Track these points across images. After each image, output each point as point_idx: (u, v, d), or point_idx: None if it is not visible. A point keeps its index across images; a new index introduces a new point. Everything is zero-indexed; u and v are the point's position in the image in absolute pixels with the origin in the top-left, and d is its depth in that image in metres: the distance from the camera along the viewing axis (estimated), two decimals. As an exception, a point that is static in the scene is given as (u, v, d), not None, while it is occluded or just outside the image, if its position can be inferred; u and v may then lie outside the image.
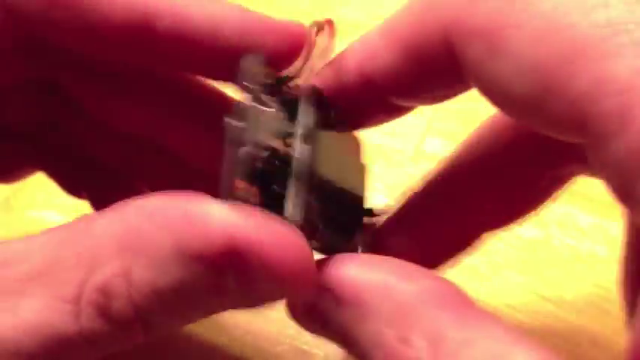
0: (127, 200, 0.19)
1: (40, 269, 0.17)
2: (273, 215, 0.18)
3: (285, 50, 0.22)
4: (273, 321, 0.31)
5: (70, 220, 0.19)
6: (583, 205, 0.35)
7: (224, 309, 0.20)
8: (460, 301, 0.17)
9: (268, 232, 0.18)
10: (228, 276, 0.18)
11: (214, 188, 0.19)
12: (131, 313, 0.18)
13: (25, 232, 0.18)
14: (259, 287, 0.19)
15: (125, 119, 0.26)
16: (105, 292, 0.17)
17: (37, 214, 0.32)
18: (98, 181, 0.29)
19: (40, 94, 0.26)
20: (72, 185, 0.30)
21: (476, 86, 0.19)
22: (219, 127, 0.19)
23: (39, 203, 0.29)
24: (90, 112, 0.26)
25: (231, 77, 0.21)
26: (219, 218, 0.18)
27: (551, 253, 0.33)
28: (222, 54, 0.22)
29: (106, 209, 0.19)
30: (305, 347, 0.30)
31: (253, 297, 0.19)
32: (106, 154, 0.28)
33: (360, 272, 0.18)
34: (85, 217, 0.19)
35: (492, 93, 0.19)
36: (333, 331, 0.19)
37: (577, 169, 0.23)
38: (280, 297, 0.20)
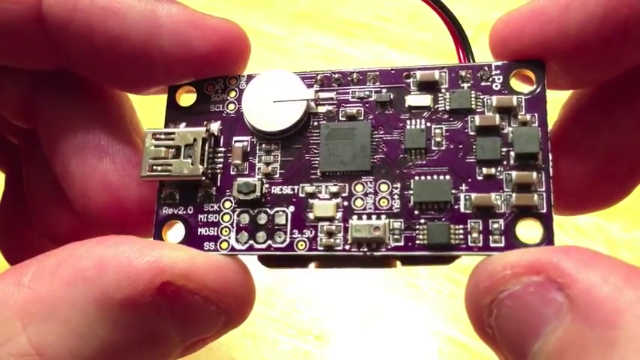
0: (23, 263, 0.15)
1: None
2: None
3: (217, 51, 0.20)
4: (273, 321, 0.30)
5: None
6: (583, 205, 0.35)
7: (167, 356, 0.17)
8: None
9: (195, 257, 0.17)
10: (165, 314, 0.15)
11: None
12: None
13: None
14: (198, 318, 0.16)
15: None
16: None
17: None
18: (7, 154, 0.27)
19: None
20: None
21: None
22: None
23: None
24: None
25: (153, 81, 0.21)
26: (146, 256, 0.15)
27: (551, 253, 0.33)
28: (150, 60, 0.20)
29: (2, 273, 0.15)
30: (305, 347, 0.29)
31: (193, 331, 0.17)
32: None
33: (617, 289, 0.14)
34: None
35: None
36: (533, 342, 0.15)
37: None
38: (221, 324, 0.17)
